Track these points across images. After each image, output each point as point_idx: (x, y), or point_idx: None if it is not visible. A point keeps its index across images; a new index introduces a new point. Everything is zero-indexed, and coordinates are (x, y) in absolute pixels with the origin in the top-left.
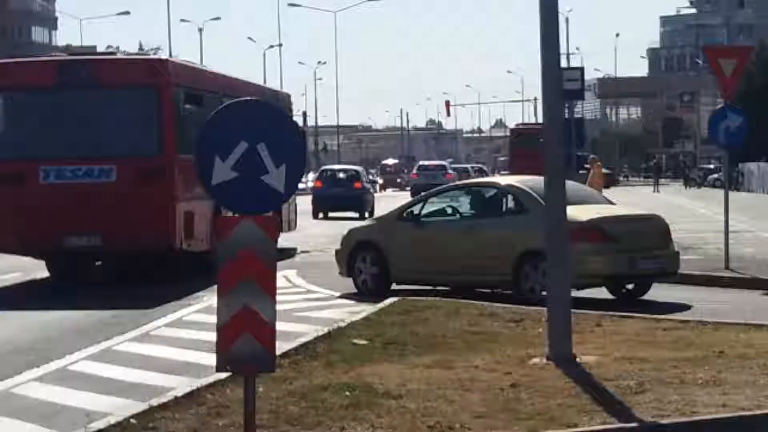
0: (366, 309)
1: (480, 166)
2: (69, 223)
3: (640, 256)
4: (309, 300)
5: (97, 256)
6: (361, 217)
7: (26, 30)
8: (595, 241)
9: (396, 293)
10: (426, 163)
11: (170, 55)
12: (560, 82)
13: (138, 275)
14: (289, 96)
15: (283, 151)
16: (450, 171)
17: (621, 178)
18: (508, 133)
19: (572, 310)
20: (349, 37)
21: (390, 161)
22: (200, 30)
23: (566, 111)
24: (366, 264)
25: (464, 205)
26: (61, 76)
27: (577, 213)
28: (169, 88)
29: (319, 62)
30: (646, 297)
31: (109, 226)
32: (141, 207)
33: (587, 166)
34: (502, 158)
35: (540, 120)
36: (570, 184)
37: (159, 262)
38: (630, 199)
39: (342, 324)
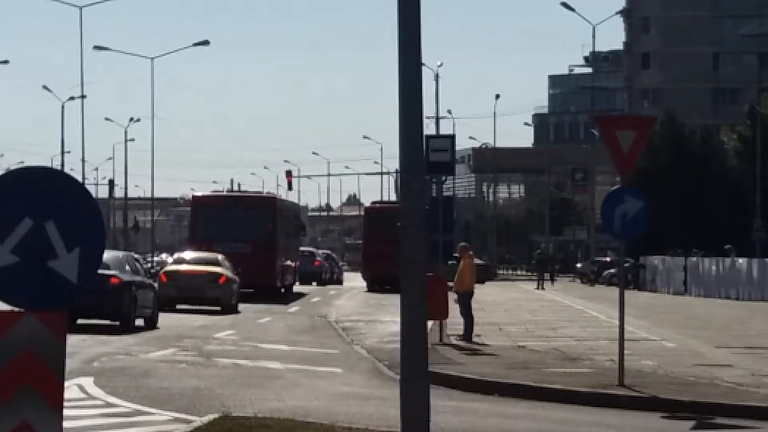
0: (179, 428)
1: (327, 252)
2: None
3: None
4: (107, 416)
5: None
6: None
7: None
8: None
9: (217, 409)
10: None
11: None
12: (421, 151)
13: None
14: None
15: (77, 231)
16: (318, 258)
17: (502, 272)
18: (362, 213)
19: None
20: (170, 90)
21: None
22: None
23: (433, 188)
24: None
25: None
26: (228, 201)
27: None
28: (276, 209)
29: (132, 119)
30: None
31: (245, 272)
32: (261, 265)
33: (457, 255)
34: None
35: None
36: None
37: (265, 292)
38: (502, 298)
39: None
